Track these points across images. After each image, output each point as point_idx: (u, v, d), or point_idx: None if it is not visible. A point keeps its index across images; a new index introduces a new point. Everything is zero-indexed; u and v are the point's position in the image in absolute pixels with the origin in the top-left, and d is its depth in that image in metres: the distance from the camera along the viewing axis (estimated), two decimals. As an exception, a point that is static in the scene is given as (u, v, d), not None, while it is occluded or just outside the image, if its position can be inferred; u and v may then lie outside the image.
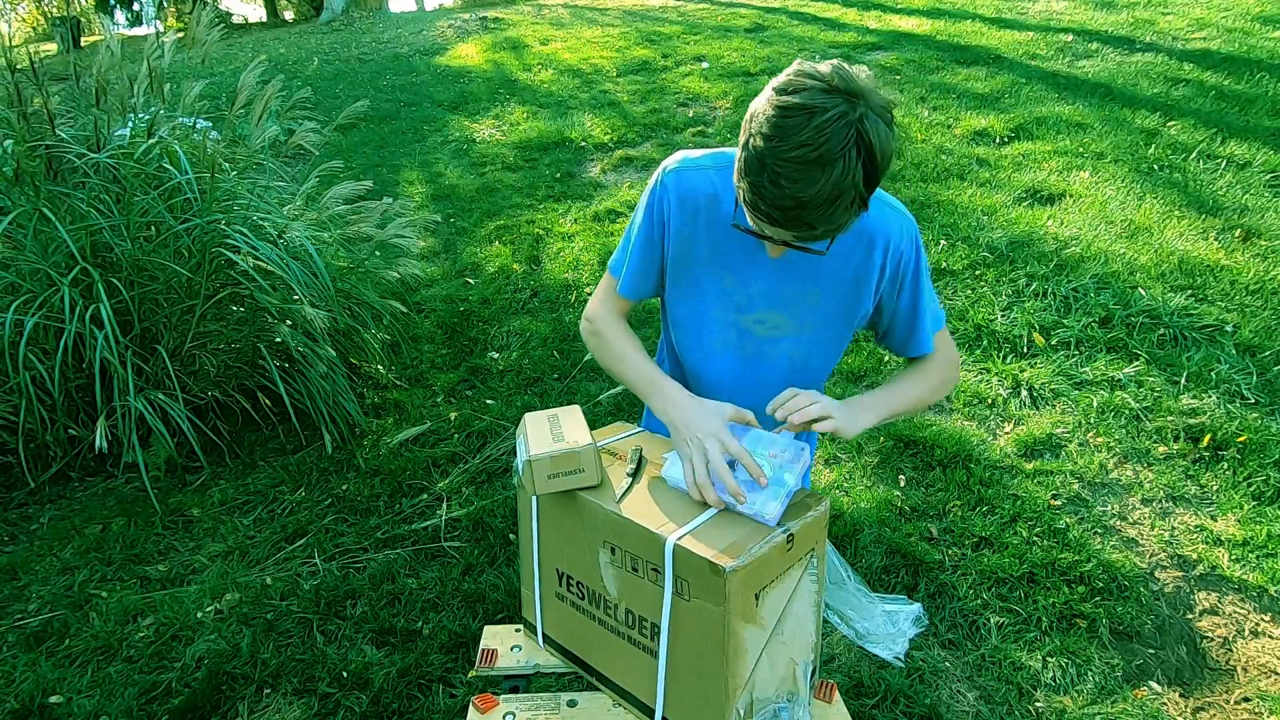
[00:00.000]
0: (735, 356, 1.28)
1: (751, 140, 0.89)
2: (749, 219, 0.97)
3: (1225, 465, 2.61)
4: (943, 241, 3.95)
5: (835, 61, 0.88)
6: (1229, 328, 3.15)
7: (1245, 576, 2.23)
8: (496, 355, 3.69)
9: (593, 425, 1.40)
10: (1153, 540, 2.39)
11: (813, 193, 0.83)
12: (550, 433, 1.16)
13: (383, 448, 3.05)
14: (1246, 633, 2.10)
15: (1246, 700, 1.94)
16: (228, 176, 3.25)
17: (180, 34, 3.57)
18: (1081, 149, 4.74)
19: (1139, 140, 4.74)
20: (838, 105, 0.83)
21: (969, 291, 3.59)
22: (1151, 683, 2.00)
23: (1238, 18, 6.65)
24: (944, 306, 3.52)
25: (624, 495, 1.10)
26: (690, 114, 6.30)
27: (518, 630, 1.35)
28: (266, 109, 3.36)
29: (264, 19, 19.46)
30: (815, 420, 1.08)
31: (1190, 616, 2.16)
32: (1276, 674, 1.99)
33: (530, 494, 1.15)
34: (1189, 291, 3.38)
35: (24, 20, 20.59)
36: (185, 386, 2.97)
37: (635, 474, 1.16)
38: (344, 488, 2.86)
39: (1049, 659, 2.05)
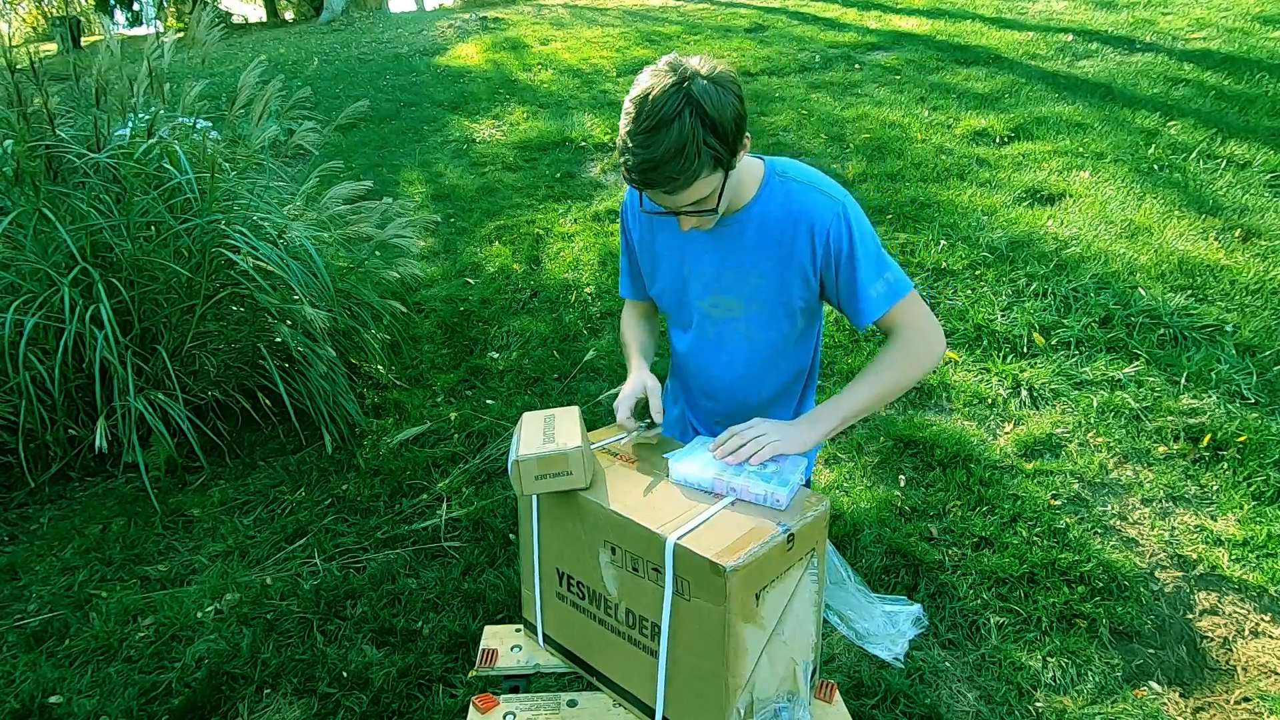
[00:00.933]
0: (700, 340, 1.39)
1: (617, 133, 1.08)
2: (642, 198, 1.15)
3: (1225, 465, 2.61)
4: (943, 241, 3.95)
5: (671, 55, 1.07)
6: (1229, 328, 3.15)
7: (1245, 576, 2.23)
8: (496, 355, 3.69)
9: (592, 425, 1.40)
10: (1153, 540, 2.39)
11: (660, 152, 1.01)
12: (543, 433, 1.16)
13: (383, 448, 3.05)
14: (1246, 633, 2.10)
15: (1246, 700, 1.94)
16: (228, 176, 3.25)
17: (180, 34, 3.57)
18: (1081, 149, 4.74)
19: (1139, 140, 4.75)
20: (667, 81, 1.02)
21: (969, 291, 3.59)
22: (1151, 683, 2.00)
23: (1238, 18, 6.65)
24: (945, 306, 3.52)
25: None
26: (690, 114, 6.30)
27: (518, 630, 1.35)
28: (266, 109, 3.36)
29: (264, 19, 19.46)
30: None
31: (1190, 616, 2.16)
32: (1276, 674, 1.99)
33: (519, 494, 1.15)
34: (1189, 291, 3.38)
35: (24, 20, 20.59)
36: (185, 386, 2.97)
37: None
38: (344, 488, 2.86)
39: (1049, 659, 2.05)
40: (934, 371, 1.27)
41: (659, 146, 1.01)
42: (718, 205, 1.13)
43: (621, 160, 1.06)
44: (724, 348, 1.38)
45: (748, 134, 1.12)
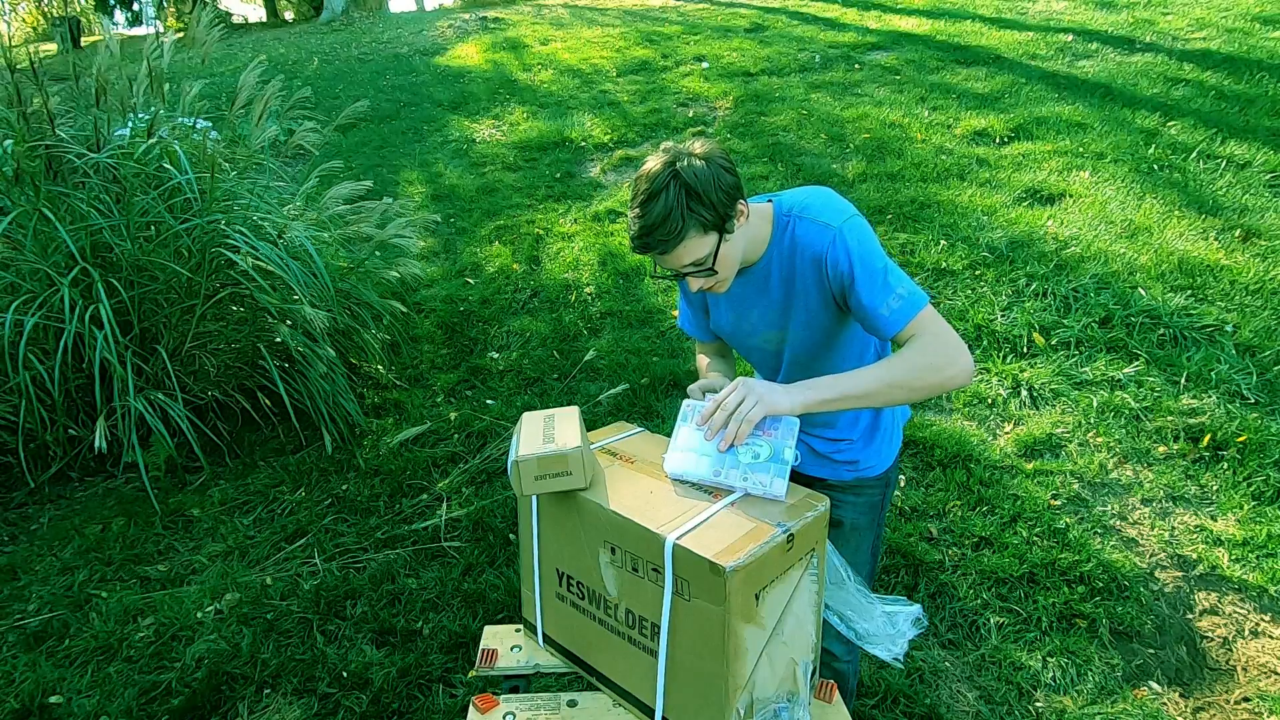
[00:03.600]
0: (765, 367, 1.51)
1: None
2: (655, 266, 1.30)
3: (1225, 465, 2.61)
4: (943, 241, 3.95)
5: (670, 142, 1.26)
6: (1229, 328, 3.15)
7: (1245, 576, 2.23)
8: (496, 355, 3.69)
9: (592, 426, 1.40)
10: (1153, 540, 2.39)
11: (650, 220, 1.18)
12: (542, 434, 1.16)
13: (383, 448, 3.05)
14: (1246, 633, 2.10)
15: (1246, 700, 1.94)
16: (228, 176, 3.25)
17: (180, 34, 3.57)
18: (1081, 149, 4.74)
19: (1139, 140, 4.74)
20: (661, 161, 1.21)
21: (969, 291, 3.59)
22: (1151, 683, 2.00)
23: (1238, 18, 6.65)
24: (945, 306, 3.51)
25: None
26: (690, 114, 6.30)
27: (518, 630, 1.35)
28: (266, 109, 3.36)
29: (264, 19, 19.46)
30: (745, 414, 1.14)
31: (1190, 616, 2.16)
32: (1276, 674, 1.99)
33: (519, 494, 1.15)
34: (1189, 291, 3.38)
35: (24, 20, 20.59)
36: (185, 386, 2.97)
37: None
38: (344, 488, 2.86)
39: (1049, 659, 2.05)
40: (960, 385, 1.23)
41: (650, 215, 1.18)
42: (714, 265, 1.24)
43: (628, 232, 1.26)
44: (791, 367, 1.45)
45: (743, 201, 1.25)
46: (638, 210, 1.20)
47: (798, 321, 1.36)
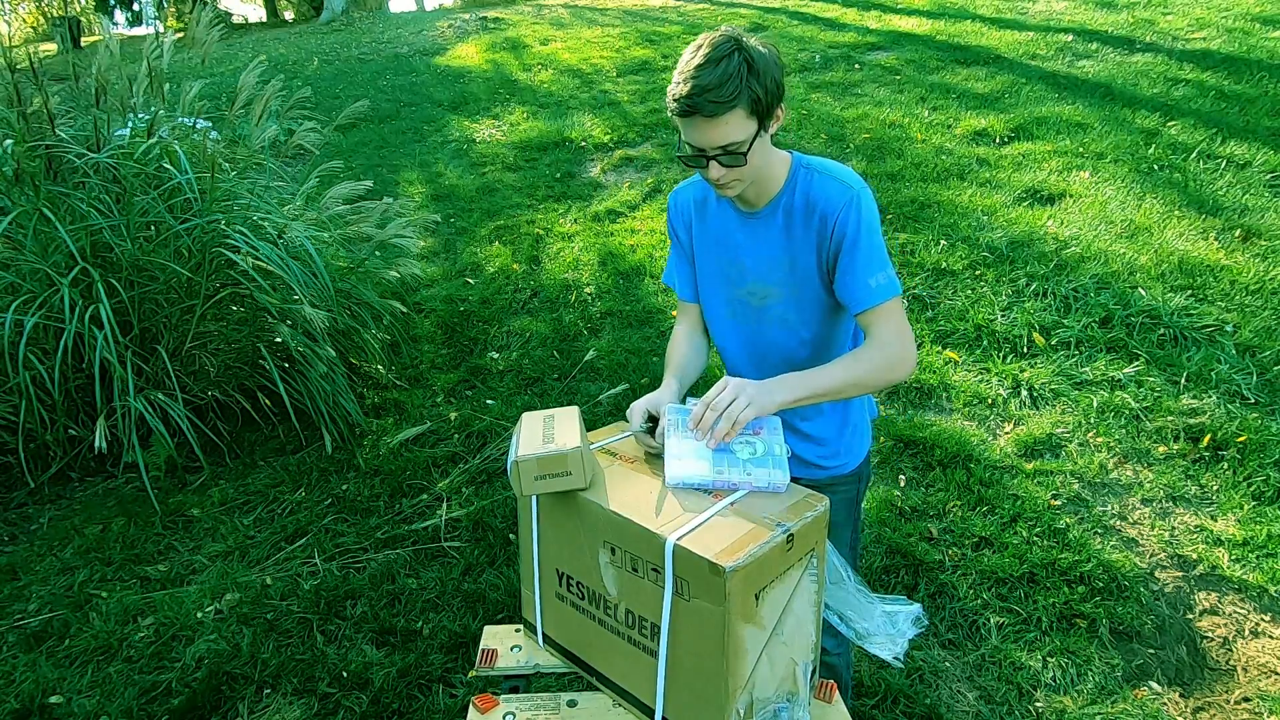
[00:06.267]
0: (740, 330, 1.48)
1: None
2: (680, 137, 1.27)
3: (1225, 465, 2.61)
4: (943, 241, 3.95)
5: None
6: (1229, 328, 3.15)
7: (1245, 576, 2.23)
8: (496, 355, 3.69)
9: (592, 426, 1.40)
10: (1153, 540, 2.39)
11: (708, 79, 1.16)
12: (542, 434, 1.16)
13: (383, 448, 3.05)
14: (1246, 633, 2.10)
15: (1246, 700, 1.94)
16: (228, 176, 3.25)
17: (180, 34, 3.57)
18: (1081, 149, 4.74)
19: (1139, 140, 4.74)
20: (724, 34, 1.20)
21: (969, 291, 3.59)
22: (1151, 683, 2.00)
23: (1238, 18, 6.65)
24: (945, 306, 3.51)
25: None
26: (690, 114, 6.30)
27: (518, 630, 1.35)
28: (266, 109, 3.36)
29: (264, 19, 19.46)
30: (736, 415, 1.15)
31: (1190, 616, 2.16)
32: (1276, 674, 1.99)
33: (519, 494, 1.15)
34: (1189, 291, 3.38)
35: (24, 20, 20.59)
36: (185, 386, 2.97)
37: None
38: (344, 488, 2.86)
39: (1049, 659, 2.05)
40: (901, 381, 1.31)
41: (708, 75, 1.16)
42: (747, 154, 1.23)
43: (671, 94, 1.21)
44: (761, 334, 1.45)
45: (783, 106, 1.25)
46: (694, 71, 1.18)
47: (789, 277, 1.37)
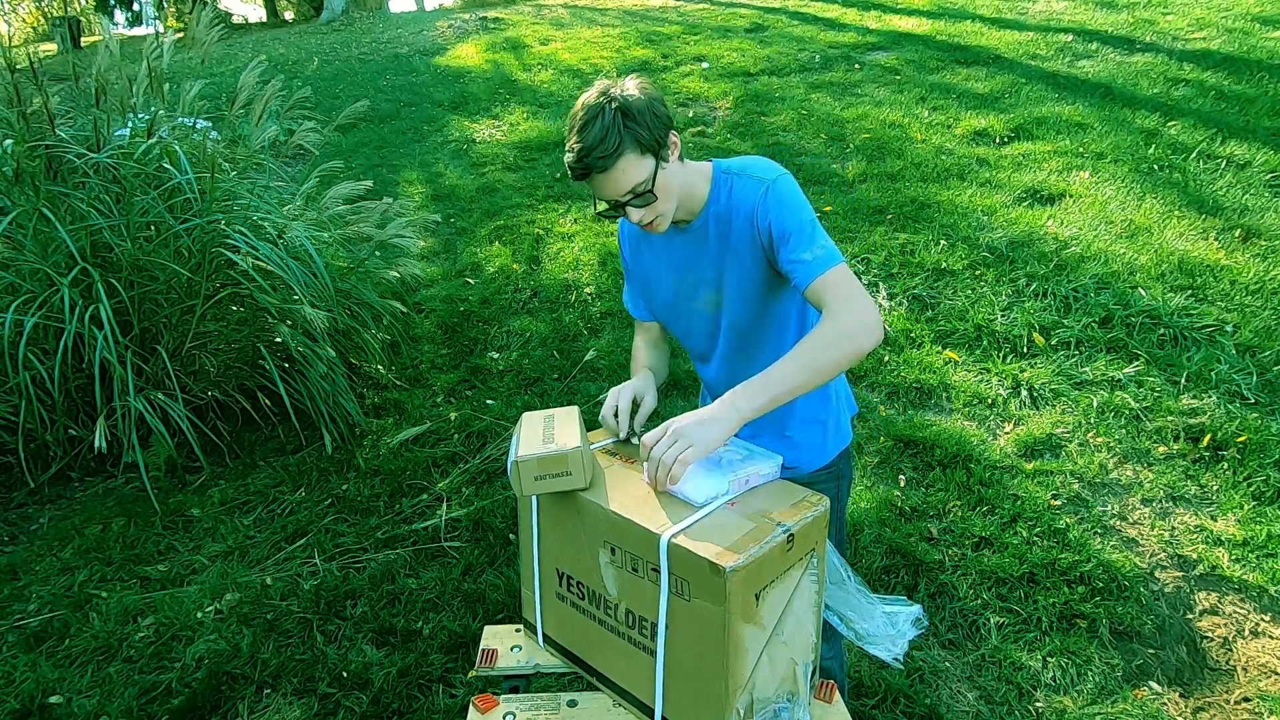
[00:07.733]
0: (706, 339, 1.52)
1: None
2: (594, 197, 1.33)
3: (1225, 465, 2.61)
4: (943, 241, 3.95)
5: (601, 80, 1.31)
6: (1229, 328, 3.15)
7: (1245, 576, 2.23)
8: (496, 355, 3.69)
9: (592, 426, 1.40)
10: (1153, 540, 2.39)
11: (589, 140, 1.22)
12: (542, 434, 1.16)
13: (383, 448, 3.05)
14: (1246, 633, 2.10)
15: (1246, 700, 1.94)
16: (228, 176, 3.25)
17: (180, 34, 3.57)
18: (1081, 149, 4.74)
19: (1139, 140, 4.74)
20: (592, 94, 1.26)
21: (969, 291, 3.59)
22: (1151, 683, 2.00)
23: (1238, 18, 6.65)
24: (945, 306, 3.51)
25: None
26: (690, 114, 6.30)
27: (518, 630, 1.35)
28: (266, 109, 3.36)
29: (264, 19, 19.46)
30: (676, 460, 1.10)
31: (1190, 616, 2.16)
32: (1276, 674, 1.99)
33: (519, 494, 1.15)
34: (1189, 291, 3.38)
35: (24, 20, 20.59)
36: (185, 386, 2.97)
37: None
38: (344, 488, 2.86)
39: (1049, 659, 2.05)
40: (874, 345, 1.22)
41: (588, 135, 1.22)
42: (653, 189, 1.28)
43: (566, 163, 1.28)
44: (716, 339, 1.48)
45: (675, 131, 1.31)
46: (576, 137, 1.24)
47: (733, 281, 1.39)
